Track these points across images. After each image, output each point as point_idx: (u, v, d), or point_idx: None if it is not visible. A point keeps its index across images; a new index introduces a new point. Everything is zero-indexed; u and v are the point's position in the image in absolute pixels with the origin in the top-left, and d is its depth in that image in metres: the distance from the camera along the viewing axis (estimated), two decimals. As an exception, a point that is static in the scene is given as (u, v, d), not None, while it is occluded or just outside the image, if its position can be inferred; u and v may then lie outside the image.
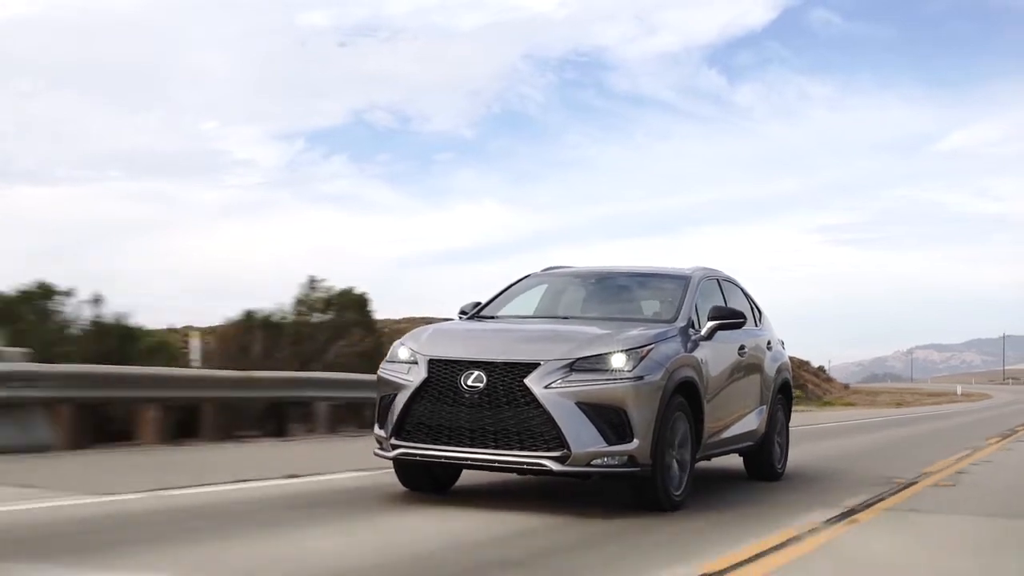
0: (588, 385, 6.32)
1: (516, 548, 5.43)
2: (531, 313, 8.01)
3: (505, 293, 8.23)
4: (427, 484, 7.25)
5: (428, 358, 6.65)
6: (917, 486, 9.08)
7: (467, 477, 7.64)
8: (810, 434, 17.26)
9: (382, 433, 6.80)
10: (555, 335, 6.85)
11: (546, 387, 6.27)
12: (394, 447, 6.67)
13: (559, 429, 6.22)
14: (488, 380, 6.36)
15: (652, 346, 6.62)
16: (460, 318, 7.96)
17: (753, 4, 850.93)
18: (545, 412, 6.23)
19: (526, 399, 6.29)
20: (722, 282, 8.45)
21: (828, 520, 6.73)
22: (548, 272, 8.55)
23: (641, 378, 6.41)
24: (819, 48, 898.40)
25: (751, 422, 8.33)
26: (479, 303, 8.12)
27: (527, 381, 6.29)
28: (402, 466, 7.10)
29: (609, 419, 6.30)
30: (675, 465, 6.75)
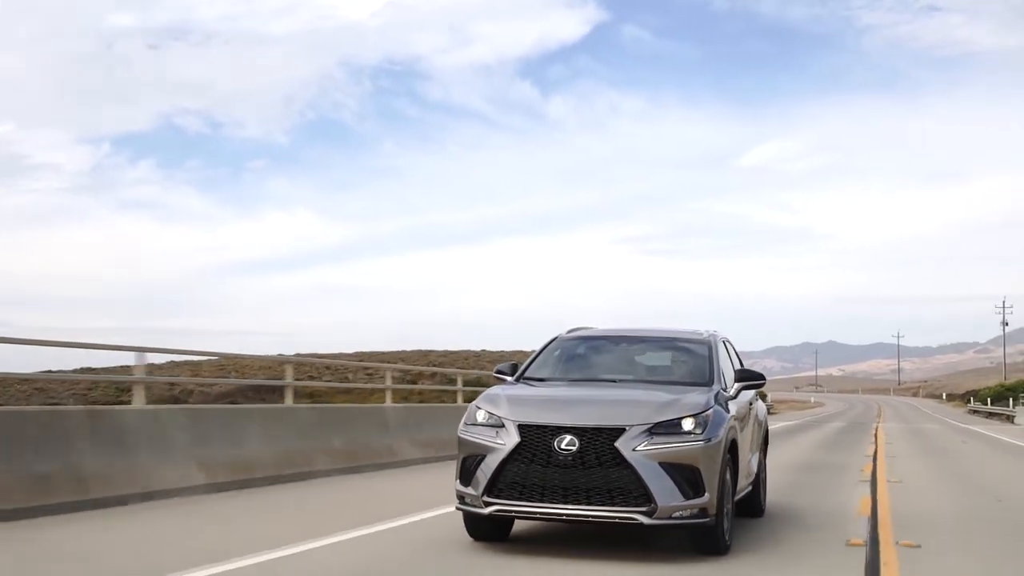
0: (668, 447, 7.23)
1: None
2: (573, 376, 8.78)
3: (541, 356, 9.01)
4: (491, 534, 8.01)
5: (517, 423, 7.41)
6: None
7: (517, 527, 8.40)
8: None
9: (470, 491, 7.50)
10: (629, 401, 7.70)
11: (633, 449, 7.15)
12: (487, 504, 7.40)
13: (646, 486, 7.10)
14: (580, 443, 7.18)
15: (711, 410, 7.60)
16: (503, 379, 8.69)
17: (566, 18, 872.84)
18: (634, 472, 7.11)
19: (616, 460, 7.14)
20: (725, 343, 9.52)
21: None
22: (575, 335, 9.38)
23: (709, 440, 7.38)
24: (629, 63, 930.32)
25: (752, 467, 9.42)
26: (516, 365, 8.89)
27: (617, 444, 7.15)
28: (471, 519, 7.84)
29: (686, 476, 7.22)
30: (725, 514, 7.73)
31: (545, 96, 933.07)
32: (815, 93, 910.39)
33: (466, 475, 7.58)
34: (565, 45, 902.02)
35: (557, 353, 9.08)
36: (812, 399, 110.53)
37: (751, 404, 9.27)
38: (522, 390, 8.26)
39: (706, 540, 7.56)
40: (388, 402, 17.29)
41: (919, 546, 8.43)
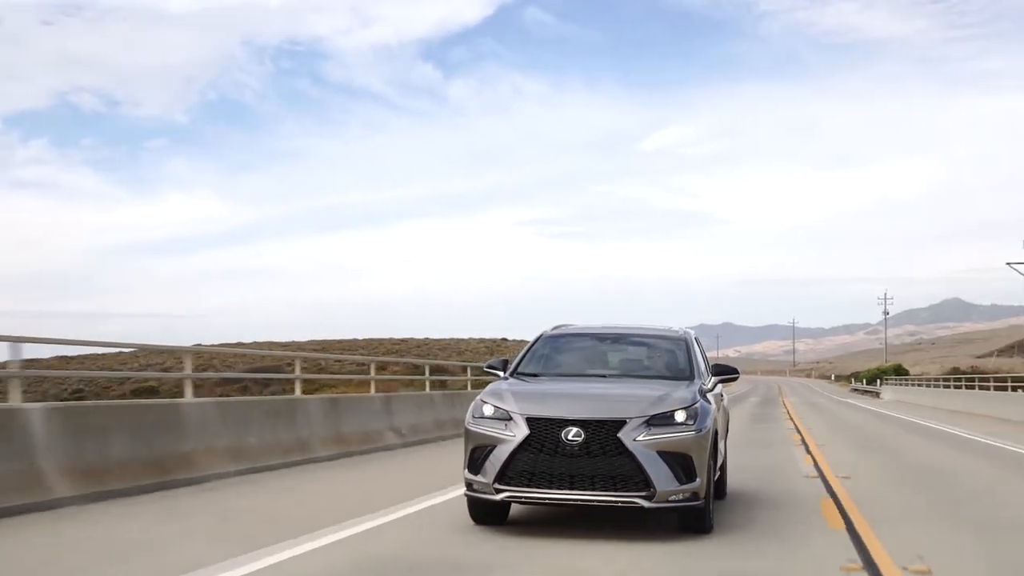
0: (664, 437, 7.98)
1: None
2: (563, 371, 9.48)
3: (530, 352, 9.68)
4: (491, 518, 8.66)
5: (525, 416, 8.06)
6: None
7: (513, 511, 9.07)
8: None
9: (480, 479, 8.15)
10: (626, 395, 8.42)
11: (634, 440, 7.89)
12: (498, 491, 8.06)
13: (646, 473, 7.84)
14: (586, 435, 7.88)
15: (699, 403, 8.37)
16: (496, 374, 9.33)
17: (468, 0, 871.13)
18: (635, 460, 7.85)
19: (618, 449, 7.87)
20: (696, 339, 10.30)
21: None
22: (560, 333, 10.08)
23: (700, 430, 8.17)
24: (532, 46, 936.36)
25: (721, 453, 10.23)
26: (507, 360, 9.54)
27: (620, 435, 7.87)
28: (477, 504, 8.49)
29: (681, 463, 7.99)
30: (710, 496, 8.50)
31: (447, 79, 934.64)
32: (714, 78, 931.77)
33: (475, 464, 8.21)
34: (468, 27, 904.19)
35: (545, 350, 9.76)
36: None
37: (721, 395, 10.08)
38: (522, 386, 8.90)
39: (694, 520, 8.33)
40: (427, 390, 22.87)
41: (849, 477, 13.51)
